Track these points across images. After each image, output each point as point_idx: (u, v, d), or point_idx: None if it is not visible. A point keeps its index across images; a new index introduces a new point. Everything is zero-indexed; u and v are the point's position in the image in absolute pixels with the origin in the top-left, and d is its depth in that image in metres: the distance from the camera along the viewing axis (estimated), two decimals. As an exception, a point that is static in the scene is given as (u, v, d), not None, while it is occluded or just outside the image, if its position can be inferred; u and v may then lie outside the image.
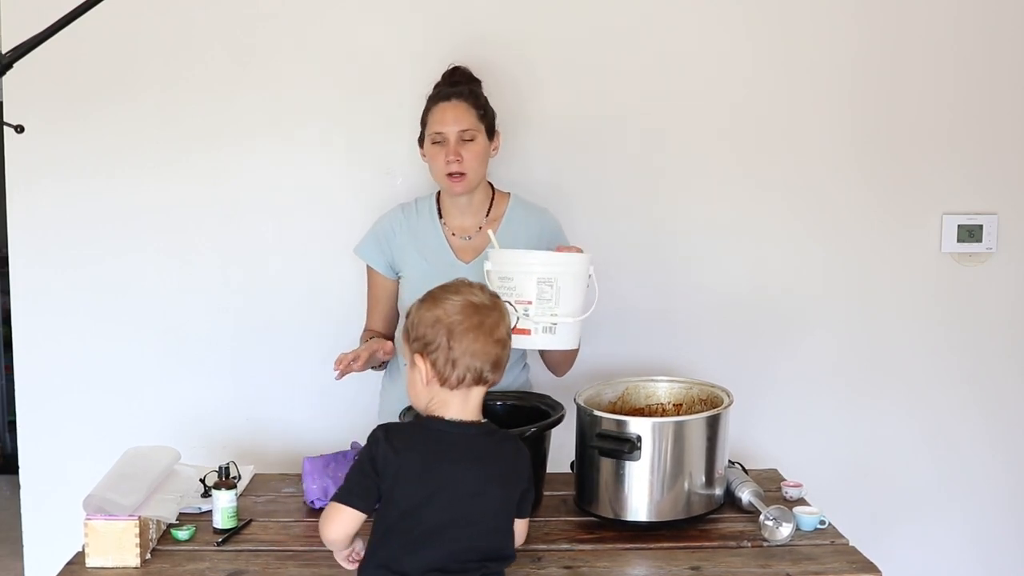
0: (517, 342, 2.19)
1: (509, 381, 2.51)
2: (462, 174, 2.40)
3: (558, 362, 2.54)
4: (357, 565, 1.80)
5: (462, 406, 1.75)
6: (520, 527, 1.84)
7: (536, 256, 2.24)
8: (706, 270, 2.97)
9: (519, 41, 2.85)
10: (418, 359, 1.74)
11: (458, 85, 2.48)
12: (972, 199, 3.01)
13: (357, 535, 1.78)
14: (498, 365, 1.74)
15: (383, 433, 1.73)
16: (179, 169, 2.86)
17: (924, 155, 2.98)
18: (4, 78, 1.80)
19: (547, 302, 2.16)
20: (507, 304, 2.14)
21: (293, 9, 2.84)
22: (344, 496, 1.73)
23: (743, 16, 2.91)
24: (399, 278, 2.53)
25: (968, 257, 3.02)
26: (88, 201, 2.86)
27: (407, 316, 1.80)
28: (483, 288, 1.81)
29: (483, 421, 1.79)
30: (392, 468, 1.69)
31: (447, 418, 1.74)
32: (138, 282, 2.89)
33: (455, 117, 2.41)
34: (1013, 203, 3.02)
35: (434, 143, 2.43)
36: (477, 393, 1.76)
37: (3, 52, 1.67)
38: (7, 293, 2.92)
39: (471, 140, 2.41)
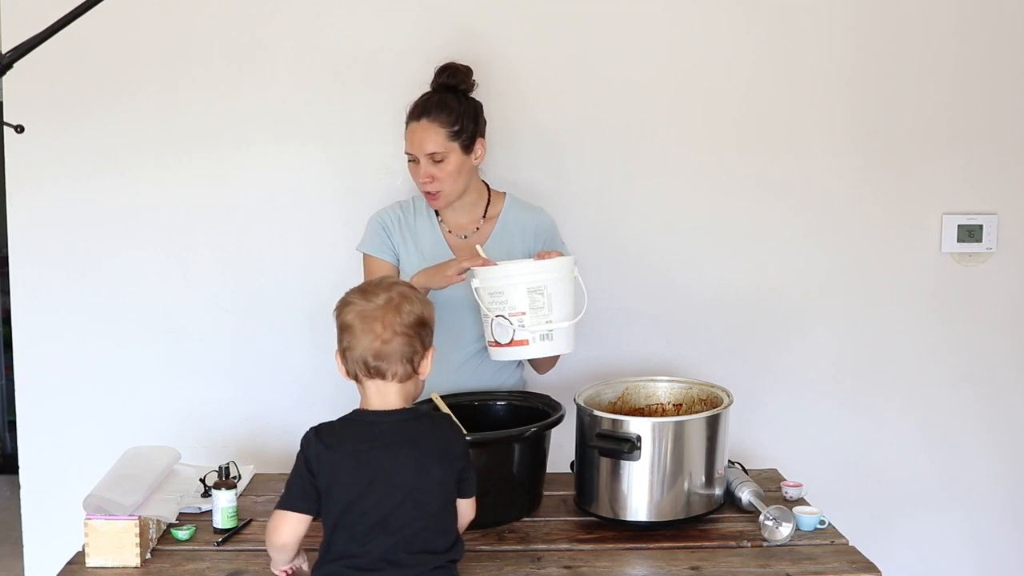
0: (517, 354, 2.21)
1: (502, 380, 2.51)
2: (436, 192, 2.42)
3: (543, 362, 2.54)
4: None
5: (380, 398, 1.79)
6: (465, 507, 1.84)
7: (521, 266, 2.23)
8: (706, 270, 2.97)
9: (519, 41, 2.85)
10: (336, 356, 1.82)
11: (437, 93, 2.44)
12: (972, 199, 3.00)
13: (300, 550, 1.83)
14: (379, 357, 1.76)
15: (313, 433, 1.78)
16: (179, 169, 2.86)
17: (924, 155, 2.98)
18: (4, 78, 1.81)
19: (540, 310, 2.16)
20: (501, 319, 2.15)
21: (293, 9, 2.84)
22: (285, 502, 1.77)
23: (744, 16, 2.91)
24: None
25: (968, 257, 3.02)
26: (88, 201, 2.86)
27: None
28: (391, 286, 1.82)
29: (410, 407, 1.81)
30: (327, 465, 1.74)
31: (371, 409, 1.79)
32: (138, 282, 2.89)
33: (421, 140, 2.40)
34: (1013, 203, 3.02)
35: (409, 161, 2.45)
36: (391, 387, 1.78)
37: (3, 52, 1.67)
38: (7, 293, 2.92)
39: (441, 160, 2.40)
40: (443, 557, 1.77)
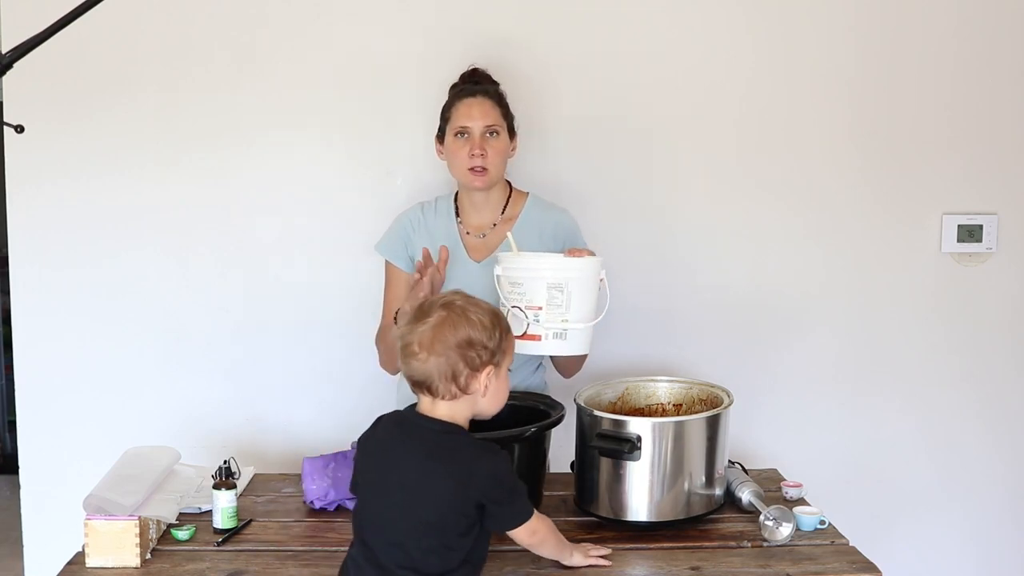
0: (528, 348, 2.17)
1: (518, 381, 2.49)
2: (484, 169, 2.41)
3: (567, 364, 2.52)
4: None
5: (430, 408, 1.79)
6: (518, 535, 1.81)
7: (546, 261, 2.21)
8: (706, 270, 2.97)
9: (517, 43, 2.85)
10: None
11: (481, 84, 2.49)
12: (972, 199, 3.01)
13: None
14: (415, 374, 1.76)
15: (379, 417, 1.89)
16: (179, 169, 2.86)
17: (924, 155, 2.98)
18: (4, 78, 1.80)
19: (558, 308, 2.13)
20: (516, 310, 2.13)
21: (293, 9, 2.84)
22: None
23: (744, 16, 2.91)
24: None
25: (968, 257, 3.02)
26: (88, 201, 2.86)
27: None
28: (442, 306, 1.78)
29: (455, 423, 1.78)
30: (364, 446, 1.82)
31: (421, 411, 1.81)
32: (138, 282, 2.89)
33: (482, 112, 2.41)
34: (1013, 203, 3.02)
35: (458, 136, 2.43)
36: (440, 404, 1.77)
37: (3, 52, 1.67)
38: (7, 293, 2.92)
39: (495, 136, 2.42)
40: None
